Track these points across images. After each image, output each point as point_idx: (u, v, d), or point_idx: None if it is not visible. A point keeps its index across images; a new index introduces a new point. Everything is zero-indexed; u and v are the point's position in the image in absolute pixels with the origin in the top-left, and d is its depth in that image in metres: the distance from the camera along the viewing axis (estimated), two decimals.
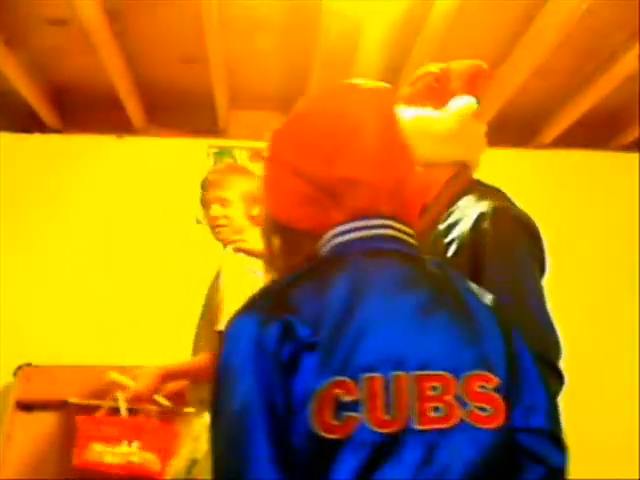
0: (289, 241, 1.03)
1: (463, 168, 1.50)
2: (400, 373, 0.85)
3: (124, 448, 2.05)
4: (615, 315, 3.31)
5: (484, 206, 1.36)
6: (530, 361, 0.98)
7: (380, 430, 0.82)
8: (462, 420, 0.86)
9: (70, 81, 3.10)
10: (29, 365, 2.92)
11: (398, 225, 0.98)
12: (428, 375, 0.86)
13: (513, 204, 1.42)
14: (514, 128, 3.35)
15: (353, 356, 0.84)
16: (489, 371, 0.90)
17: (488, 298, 0.99)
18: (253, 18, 2.63)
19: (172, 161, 3.35)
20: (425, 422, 0.84)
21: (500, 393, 0.90)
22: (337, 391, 0.82)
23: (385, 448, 0.82)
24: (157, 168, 3.34)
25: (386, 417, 0.83)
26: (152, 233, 3.24)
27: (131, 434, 2.07)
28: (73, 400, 2.63)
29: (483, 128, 1.53)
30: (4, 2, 2.48)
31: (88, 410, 2.25)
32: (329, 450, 0.81)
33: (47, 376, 2.84)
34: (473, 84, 1.50)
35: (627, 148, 3.50)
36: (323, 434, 0.81)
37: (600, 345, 3.25)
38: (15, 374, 2.90)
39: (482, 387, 0.89)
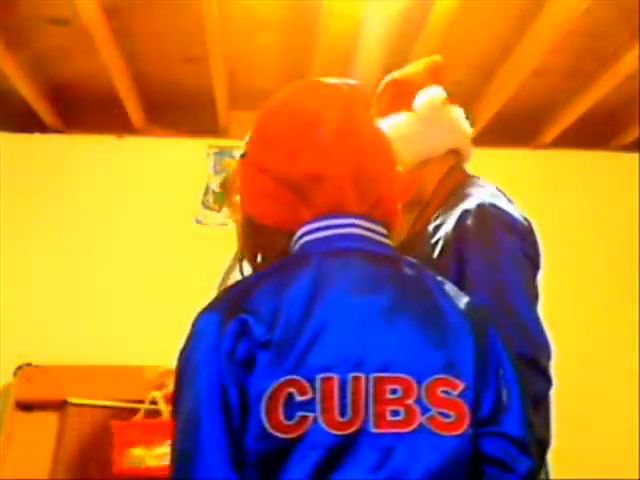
0: (263, 238, 1.03)
1: (456, 160, 1.50)
2: (358, 374, 0.83)
3: (162, 449, 2.01)
4: (615, 315, 3.30)
5: (468, 203, 1.34)
6: (507, 365, 0.94)
7: (334, 432, 0.81)
8: (422, 425, 0.84)
9: (70, 81, 3.09)
10: (29, 365, 2.91)
11: (367, 224, 0.96)
12: (388, 378, 0.84)
13: (506, 201, 1.39)
14: (514, 128, 3.34)
15: (309, 355, 0.82)
16: (455, 376, 0.88)
17: (463, 301, 0.96)
18: (253, 18, 2.63)
19: (172, 161, 3.35)
20: (382, 425, 0.83)
21: (466, 399, 0.87)
22: (290, 390, 0.81)
23: (340, 450, 0.81)
24: (157, 168, 3.34)
25: (341, 419, 0.81)
26: (152, 233, 3.24)
27: (167, 433, 2.03)
28: (73, 400, 2.63)
29: (460, 113, 1.53)
30: (4, 2, 2.47)
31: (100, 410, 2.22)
32: (283, 450, 0.80)
33: (47, 376, 2.83)
34: (435, 78, 1.52)
35: (627, 148, 3.49)
36: (276, 433, 0.80)
37: (600, 345, 3.25)
38: (15, 374, 2.89)
39: (446, 392, 0.86)
